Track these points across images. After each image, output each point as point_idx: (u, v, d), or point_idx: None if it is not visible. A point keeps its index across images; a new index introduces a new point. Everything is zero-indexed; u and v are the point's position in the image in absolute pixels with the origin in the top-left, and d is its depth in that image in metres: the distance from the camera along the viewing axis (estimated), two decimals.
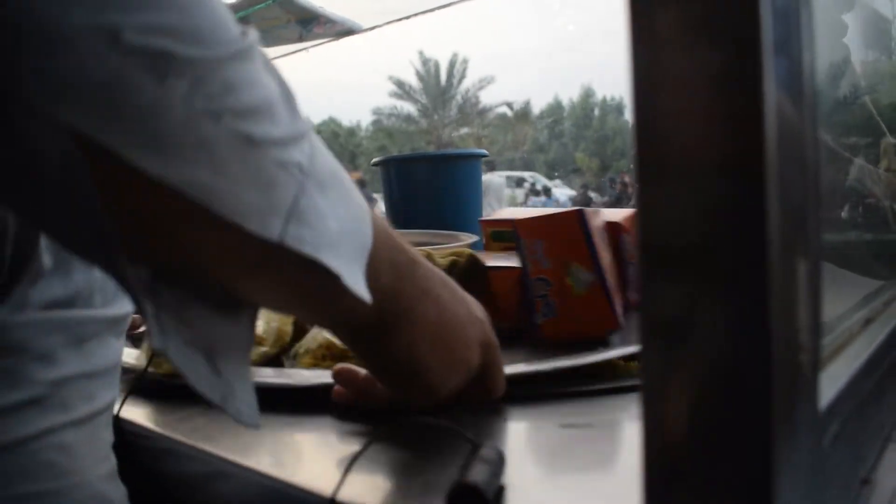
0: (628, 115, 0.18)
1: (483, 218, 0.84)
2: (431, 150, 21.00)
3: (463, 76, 27.59)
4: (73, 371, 0.38)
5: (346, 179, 0.30)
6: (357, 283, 0.29)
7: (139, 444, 0.43)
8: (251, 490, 0.35)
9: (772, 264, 0.16)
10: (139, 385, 0.47)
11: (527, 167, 26.38)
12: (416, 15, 2.86)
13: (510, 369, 0.43)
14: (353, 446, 0.36)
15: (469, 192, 1.14)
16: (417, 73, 27.95)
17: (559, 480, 0.33)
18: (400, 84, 27.97)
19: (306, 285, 0.30)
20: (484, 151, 1.27)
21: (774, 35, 0.16)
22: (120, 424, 0.43)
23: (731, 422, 0.17)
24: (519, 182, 18.92)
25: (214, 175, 0.24)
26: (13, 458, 0.35)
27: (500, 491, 0.30)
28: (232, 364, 0.29)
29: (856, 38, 0.51)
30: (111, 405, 0.42)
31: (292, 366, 0.51)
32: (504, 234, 0.78)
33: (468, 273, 0.58)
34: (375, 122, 29.72)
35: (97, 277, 0.40)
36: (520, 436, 0.39)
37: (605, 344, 0.53)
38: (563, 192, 17.66)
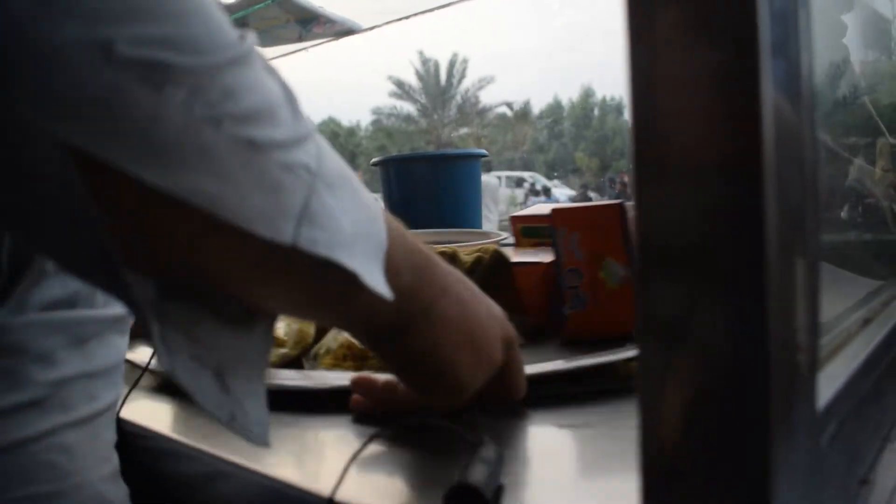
0: (628, 115, 0.18)
1: (514, 214, 0.84)
2: (431, 150, 21.00)
3: (463, 76, 27.59)
4: (74, 371, 0.38)
5: (355, 180, 0.30)
6: (376, 281, 0.29)
7: (139, 445, 0.43)
8: (250, 490, 0.35)
9: (770, 264, 0.16)
10: (139, 384, 0.47)
11: (526, 167, 26.39)
12: (415, 15, 2.86)
13: (530, 369, 0.42)
14: (352, 446, 0.36)
15: (468, 192, 1.14)
16: (417, 73, 27.95)
17: (558, 480, 0.33)
18: (399, 84, 27.97)
19: (324, 288, 0.29)
20: (483, 151, 1.27)
21: (772, 35, 0.16)
22: (120, 424, 0.43)
23: (728, 421, 0.17)
24: (519, 182, 18.93)
25: (219, 182, 0.24)
26: (13, 459, 0.35)
27: (499, 491, 0.30)
28: (243, 380, 0.29)
29: (855, 38, 0.51)
30: (114, 404, 0.42)
31: (312, 367, 0.50)
32: (535, 230, 0.77)
33: (493, 269, 0.57)
34: (375, 122, 29.72)
35: None
36: (519, 436, 0.39)
37: (629, 341, 0.50)
38: (562, 192, 17.66)
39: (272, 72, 0.27)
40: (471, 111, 27.51)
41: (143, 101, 0.22)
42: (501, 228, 1.34)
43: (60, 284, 0.38)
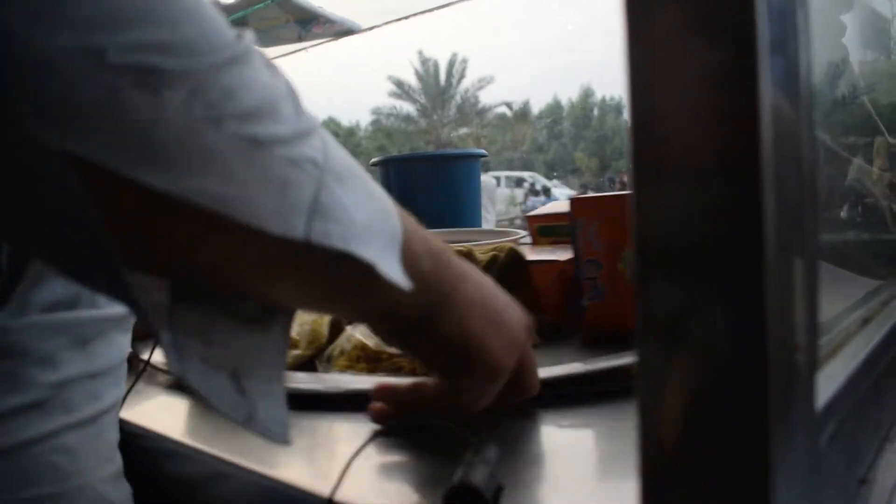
0: (627, 115, 0.18)
1: (530, 213, 0.84)
2: (430, 149, 21.00)
3: (462, 76, 27.60)
4: (77, 372, 0.38)
5: (364, 173, 0.30)
6: (393, 271, 0.29)
7: (139, 445, 0.43)
8: (250, 490, 0.35)
9: (768, 264, 0.16)
10: (139, 384, 0.46)
11: (526, 167, 26.40)
12: (415, 15, 2.86)
13: (544, 372, 0.42)
14: (352, 446, 0.36)
15: (468, 191, 1.14)
16: (416, 73, 27.95)
17: (558, 480, 0.33)
18: (399, 84, 27.97)
19: (339, 280, 0.29)
20: (483, 151, 1.27)
21: (771, 35, 0.16)
22: (120, 425, 0.43)
23: (728, 421, 0.17)
24: (518, 182, 18.94)
25: (224, 181, 0.24)
26: (15, 461, 0.35)
27: (498, 491, 0.30)
28: (260, 379, 0.29)
29: (854, 37, 0.51)
30: (117, 403, 0.42)
31: (326, 369, 0.50)
32: (552, 229, 0.77)
33: (509, 267, 0.57)
34: (374, 122, 29.72)
35: None
36: (519, 436, 0.39)
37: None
38: (562, 192, 17.66)
39: (273, 69, 0.27)
40: (470, 111, 27.51)
41: (142, 106, 0.22)
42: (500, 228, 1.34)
43: (62, 284, 0.38)
